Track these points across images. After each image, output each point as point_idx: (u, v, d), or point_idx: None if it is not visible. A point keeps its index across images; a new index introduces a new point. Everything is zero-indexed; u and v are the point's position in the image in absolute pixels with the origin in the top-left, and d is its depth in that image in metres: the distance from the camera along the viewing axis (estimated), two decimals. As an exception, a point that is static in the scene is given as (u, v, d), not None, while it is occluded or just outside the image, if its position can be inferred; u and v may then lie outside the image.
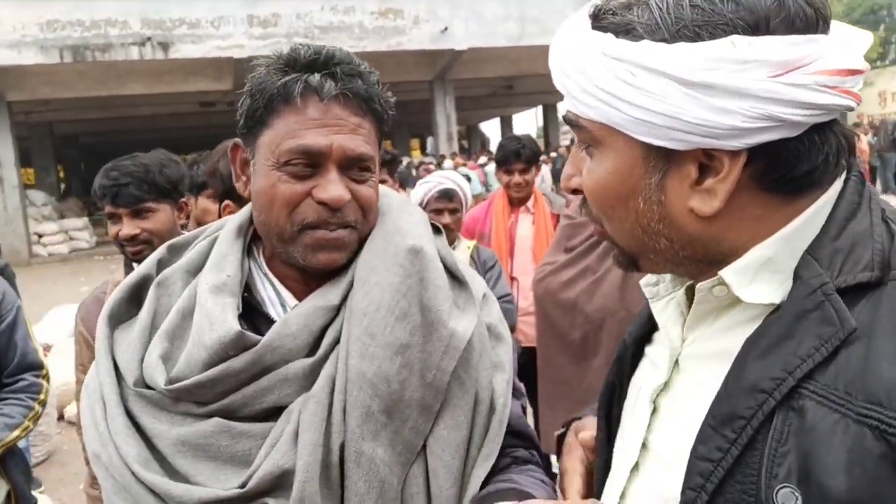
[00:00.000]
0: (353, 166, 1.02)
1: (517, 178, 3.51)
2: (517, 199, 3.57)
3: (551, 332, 2.41)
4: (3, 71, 14.94)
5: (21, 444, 4.47)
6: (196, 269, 1.11)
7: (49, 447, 5.11)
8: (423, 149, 24.34)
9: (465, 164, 14.76)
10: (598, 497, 0.96)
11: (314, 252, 1.02)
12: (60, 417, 5.63)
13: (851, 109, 0.71)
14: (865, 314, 0.66)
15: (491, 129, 37.27)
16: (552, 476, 1.15)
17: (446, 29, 16.77)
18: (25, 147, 19.31)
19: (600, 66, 0.72)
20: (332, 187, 1.00)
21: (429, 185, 3.10)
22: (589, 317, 2.15)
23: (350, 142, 1.01)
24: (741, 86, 0.66)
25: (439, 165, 15.51)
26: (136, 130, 24.22)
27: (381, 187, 1.17)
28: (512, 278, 3.45)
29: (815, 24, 0.69)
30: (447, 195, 3.05)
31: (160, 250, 1.18)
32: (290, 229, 1.02)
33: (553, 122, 29.42)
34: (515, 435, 1.12)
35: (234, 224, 1.13)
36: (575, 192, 0.86)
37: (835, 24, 0.72)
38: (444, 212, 3.04)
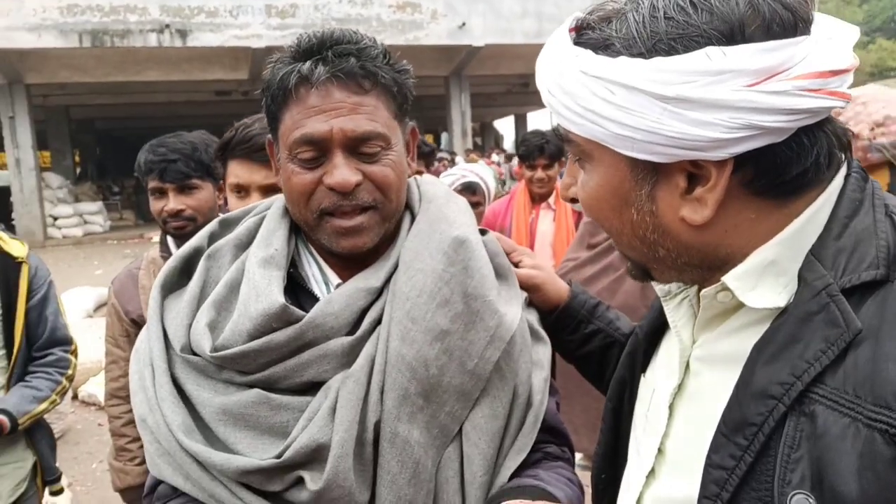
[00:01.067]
0: (360, 146, 1.02)
1: (540, 173, 3.52)
2: (539, 195, 3.58)
3: (571, 329, 2.42)
4: (23, 54, 15.06)
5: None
6: (245, 244, 1.13)
7: (63, 426, 5.16)
8: (437, 145, 24.36)
9: (476, 161, 14.77)
10: (609, 492, 0.98)
11: (337, 239, 1.04)
12: (74, 397, 5.69)
13: (837, 109, 0.70)
14: (872, 314, 0.65)
15: (505, 127, 37.18)
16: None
17: (464, 24, 16.75)
18: (42, 130, 19.41)
19: (580, 84, 0.72)
20: (338, 172, 1.00)
21: (452, 177, 3.12)
22: (611, 313, 2.16)
23: (350, 122, 1.00)
24: (718, 97, 0.66)
25: (451, 161, 15.52)
26: (151, 117, 24.29)
27: (426, 176, 1.19)
28: (530, 274, 3.46)
29: (794, 26, 0.68)
30: (470, 188, 3.07)
31: (213, 224, 1.20)
32: (311, 217, 1.04)
33: (567, 122, 29.15)
34: (549, 431, 1.13)
35: (281, 203, 1.16)
36: (573, 200, 0.88)
37: (820, 18, 0.71)
38: (466, 205, 3.06)
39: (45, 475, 2.27)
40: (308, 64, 1.00)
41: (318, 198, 1.03)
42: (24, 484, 2.20)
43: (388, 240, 1.10)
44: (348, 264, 1.10)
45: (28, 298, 2.17)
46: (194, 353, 1.03)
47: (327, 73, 0.99)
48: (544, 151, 3.52)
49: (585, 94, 0.72)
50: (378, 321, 1.04)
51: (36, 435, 2.24)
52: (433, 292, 1.02)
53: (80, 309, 7.94)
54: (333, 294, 1.06)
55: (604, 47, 0.72)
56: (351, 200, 1.02)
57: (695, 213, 0.72)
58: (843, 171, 0.75)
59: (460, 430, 1.03)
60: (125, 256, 13.11)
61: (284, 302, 1.00)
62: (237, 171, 1.72)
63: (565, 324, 1.27)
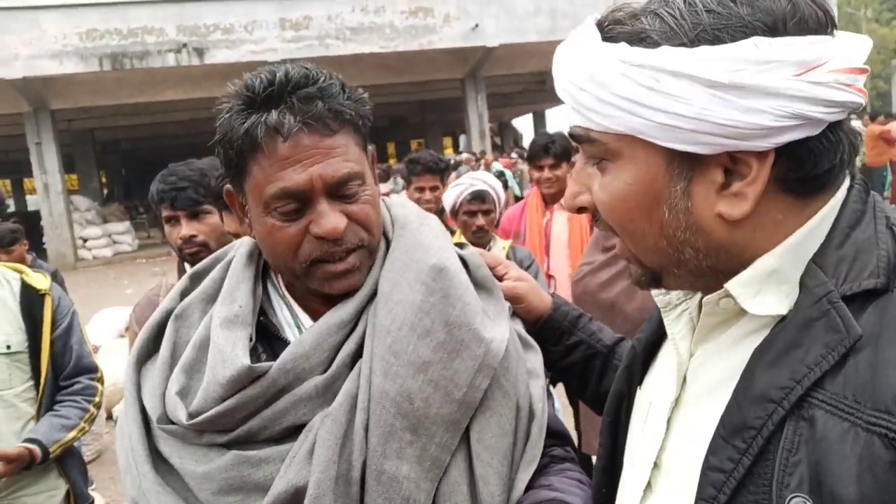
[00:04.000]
0: (340, 190, 1.00)
1: (547, 173, 3.52)
2: (550, 196, 3.57)
3: (590, 333, 2.40)
4: (47, 80, 15.36)
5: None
6: (212, 298, 1.11)
7: (99, 446, 5.26)
8: (455, 147, 24.37)
9: (490, 163, 14.74)
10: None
11: (330, 283, 1.04)
12: (109, 417, 5.79)
13: (862, 107, 0.72)
14: (872, 321, 0.66)
15: (524, 126, 37.06)
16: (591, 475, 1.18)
17: (477, 26, 16.73)
18: (68, 154, 19.79)
19: (620, 74, 0.71)
20: (325, 220, 0.98)
21: (461, 187, 3.10)
22: (628, 317, 2.14)
23: (328, 168, 0.98)
24: (769, 85, 0.67)
25: (478, 160, 15.57)
26: (173, 136, 24.65)
27: (394, 197, 1.18)
28: (549, 276, 3.46)
29: (826, 25, 0.70)
30: (480, 196, 3.05)
31: (183, 280, 1.18)
32: (301, 267, 1.02)
33: (586, 117, 28.91)
34: (551, 435, 1.14)
35: (245, 249, 1.13)
36: (581, 210, 0.85)
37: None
38: (478, 213, 3.05)
39: (78, 502, 2.31)
40: (275, 115, 0.96)
41: (307, 249, 1.01)
42: None
43: None
44: (330, 300, 1.08)
45: (52, 329, 2.22)
46: (172, 422, 1.02)
47: (298, 123, 0.95)
48: (549, 151, 3.51)
49: (626, 83, 0.71)
50: (355, 356, 1.03)
51: (67, 463, 2.28)
52: (414, 324, 1.00)
53: (112, 329, 8.05)
54: (303, 335, 1.04)
55: (639, 40, 0.72)
56: (341, 245, 1.01)
57: (733, 209, 0.72)
58: (846, 182, 0.76)
59: (469, 453, 1.02)
60: (154, 274, 13.26)
61: (248, 364, 0.98)
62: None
63: (548, 335, 1.27)
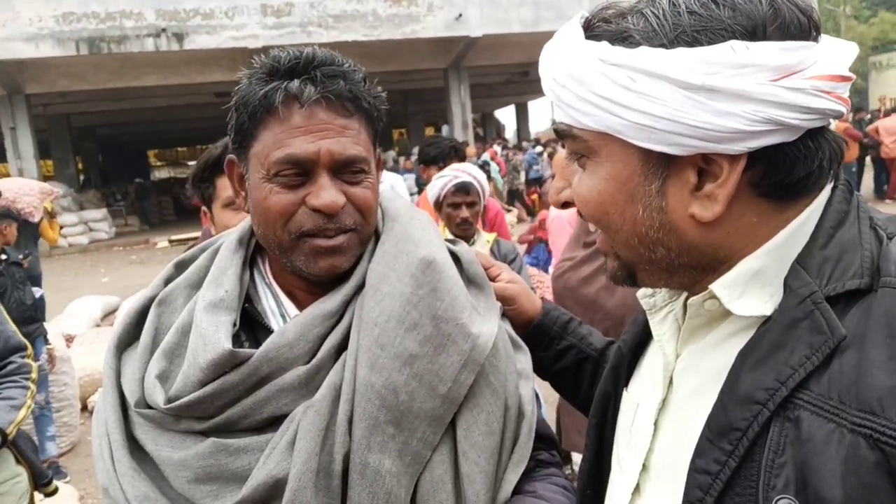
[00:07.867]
0: (344, 169, 1.00)
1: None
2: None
3: (571, 329, 2.40)
4: (21, 64, 15.08)
5: (49, 431, 4.57)
6: (197, 284, 1.10)
7: (73, 438, 5.18)
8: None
9: (476, 156, 14.56)
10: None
11: (314, 259, 1.01)
12: (84, 408, 5.70)
13: (843, 115, 0.72)
14: (857, 321, 0.66)
15: (506, 117, 37.08)
16: (573, 472, 1.17)
17: (461, 16, 16.66)
18: (44, 139, 19.46)
19: (598, 72, 0.72)
20: (325, 193, 0.98)
21: (444, 179, 3.06)
22: (609, 313, 2.13)
23: (337, 145, 0.98)
24: (743, 89, 0.67)
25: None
26: (152, 122, 24.35)
27: (385, 192, 1.16)
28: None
29: (808, 31, 0.71)
30: (464, 189, 3.01)
31: (168, 268, 1.17)
32: (288, 238, 1.01)
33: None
34: (538, 438, 1.13)
35: (235, 236, 1.13)
36: (566, 204, 0.86)
37: (822, 37, 0.74)
38: (462, 206, 3.02)
39: (38, 479, 2.34)
40: (297, 83, 0.97)
41: (298, 220, 1.00)
42: (26, 497, 2.25)
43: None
44: (313, 290, 1.07)
45: None
46: (150, 407, 1.00)
47: (317, 94, 0.97)
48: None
49: (603, 82, 0.71)
50: (340, 347, 1.01)
51: (20, 445, 2.29)
52: (401, 316, 0.99)
53: (88, 317, 7.97)
54: (287, 325, 1.02)
55: (621, 39, 0.72)
56: (335, 223, 1.00)
57: (705, 210, 0.72)
58: (829, 183, 0.76)
59: (455, 450, 1.01)
60: (131, 263, 13.14)
61: (230, 347, 0.96)
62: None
63: (538, 340, 1.27)
